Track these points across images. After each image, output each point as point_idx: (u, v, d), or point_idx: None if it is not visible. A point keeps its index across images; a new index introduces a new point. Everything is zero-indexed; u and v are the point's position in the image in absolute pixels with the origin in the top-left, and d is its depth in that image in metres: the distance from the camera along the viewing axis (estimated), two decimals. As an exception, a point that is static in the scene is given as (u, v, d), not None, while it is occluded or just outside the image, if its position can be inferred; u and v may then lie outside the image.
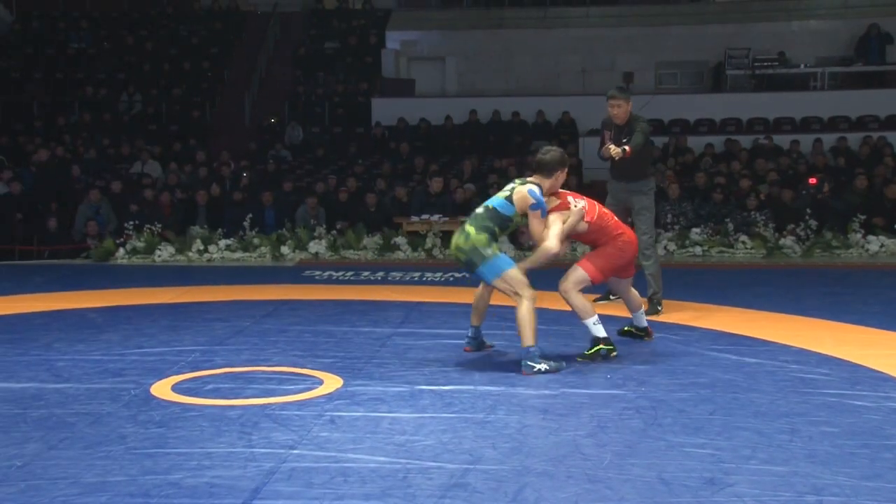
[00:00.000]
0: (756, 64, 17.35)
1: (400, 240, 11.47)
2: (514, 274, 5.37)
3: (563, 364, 5.35)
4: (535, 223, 5.46)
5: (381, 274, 9.94)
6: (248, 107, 18.46)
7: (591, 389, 4.91)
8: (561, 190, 5.70)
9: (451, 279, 9.51)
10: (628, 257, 5.78)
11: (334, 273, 10.09)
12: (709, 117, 16.67)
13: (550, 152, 5.59)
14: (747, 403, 4.61)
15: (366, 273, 10.05)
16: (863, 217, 11.29)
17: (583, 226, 5.61)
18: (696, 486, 3.48)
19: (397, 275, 9.88)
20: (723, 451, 3.88)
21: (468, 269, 5.56)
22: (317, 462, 3.76)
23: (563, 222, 5.50)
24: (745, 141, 15.51)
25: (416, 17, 19.72)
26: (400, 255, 11.35)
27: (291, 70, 19.26)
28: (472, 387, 4.98)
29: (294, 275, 10.17)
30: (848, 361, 5.51)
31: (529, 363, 5.23)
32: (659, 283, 7.39)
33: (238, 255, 11.53)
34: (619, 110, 7.29)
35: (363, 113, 17.45)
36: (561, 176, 5.59)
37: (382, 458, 3.81)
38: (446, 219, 11.71)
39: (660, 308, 7.29)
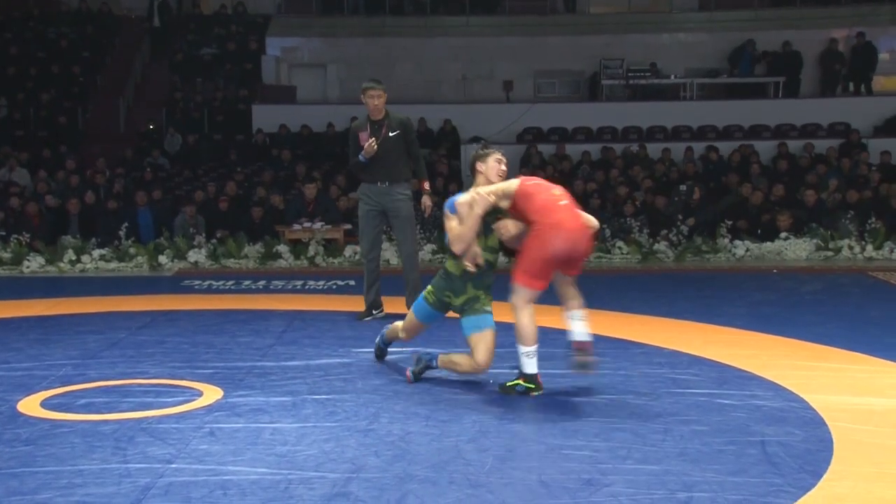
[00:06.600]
0: (630, 74, 17.87)
1: (282, 248, 11.33)
2: None
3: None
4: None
5: (262, 283, 9.80)
6: (123, 113, 17.90)
7: (473, 395, 4.97)
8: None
9: (334, 287, 9.46)
10: (553, 247, 4.79)
11: (214, 282, 9.89)
12: (586, 125, 17.08)
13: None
14: (623, 405, 4.76)
15: (247, 282, 9.89)
16: (729, 223, 11.78)
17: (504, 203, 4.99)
18: (574, 487, 3.58)
19: (279, 283, 9.76)
20: (600, 452, 4.00)
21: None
22: (195, 476, 3.68)
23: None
24: (620, 149, 15.97)
25: (296, 23, 19.52)
26: (282, 263, 11.21)
27: (169, 76, 18.78)
28: (355, 395, 4.97)
29: (172, 285, 9.92)
30: (716, 362, 5.75)
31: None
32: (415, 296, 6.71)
33: (113, 265, 11.16)
34: (381, 101, 7.22)
35: (243, 120, 17.16)
36: (478, 170, 5.14)
37: (263, 470, 3.76)
38: (329, 226, 11.63)
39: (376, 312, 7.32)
